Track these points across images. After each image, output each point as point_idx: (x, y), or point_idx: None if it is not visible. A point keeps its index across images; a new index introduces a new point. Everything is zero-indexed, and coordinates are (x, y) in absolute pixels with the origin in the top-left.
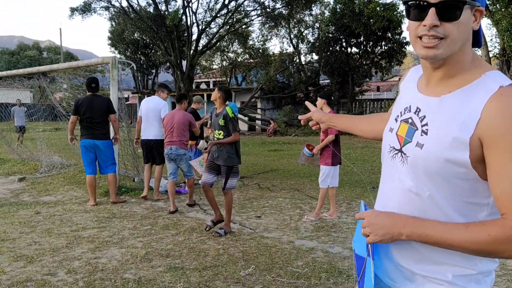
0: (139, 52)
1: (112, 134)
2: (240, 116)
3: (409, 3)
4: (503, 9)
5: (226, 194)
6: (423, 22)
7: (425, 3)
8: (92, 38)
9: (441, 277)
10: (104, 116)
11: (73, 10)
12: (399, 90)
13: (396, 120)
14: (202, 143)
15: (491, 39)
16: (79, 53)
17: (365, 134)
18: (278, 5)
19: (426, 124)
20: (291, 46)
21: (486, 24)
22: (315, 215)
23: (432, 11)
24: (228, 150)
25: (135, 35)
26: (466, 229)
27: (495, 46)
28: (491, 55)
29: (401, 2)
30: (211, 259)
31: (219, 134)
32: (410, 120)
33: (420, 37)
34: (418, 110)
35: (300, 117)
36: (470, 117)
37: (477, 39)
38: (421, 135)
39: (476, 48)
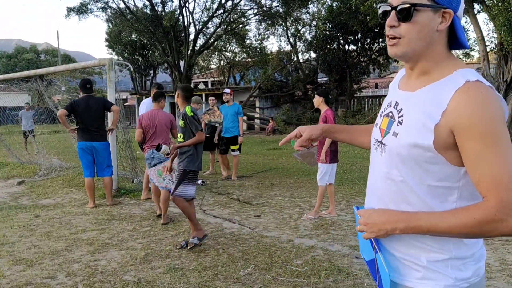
0: (137, 53)
1: (110, 137)
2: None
3: (379, 7)
4: (499, 4)
5: (175, 201)
6: (386, 23)
7: (387, 7)
8: (89, 39)
9: (416, 261)
10: (101, 117)
11: (69, 10)
12: (389, 90)
13: (380, 115)
14: (164, 148)
15: (488, 34)
16: (76, 55)
17: (366, 146)
18: (274, 4)
19: (402, 116)
20: (289, 45)
21: (483, 19)
22: (314, 213)
23: (392, 13)
24: (188, 152)
25: (133, 36)
26: (454, 215)
27: (492, 41)
28: (488, 49)
29: None
30: (210, 259)
31: (180, 137)
32: (390, 114)
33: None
34: (396, 104)
35: (280, 142)
36: (437, 108)
37: (457, 40)
38: (397, 125)
39: (474, 48)
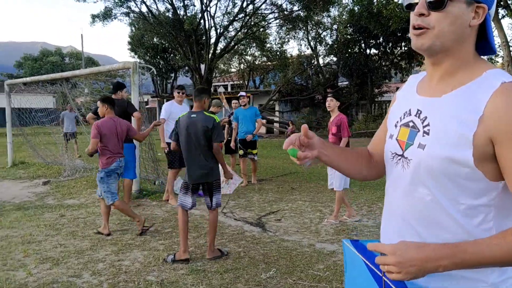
0: (158, 56)
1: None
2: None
3: None
4: None
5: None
6: (414, 12)
7: None
8: (112, 43)
9: None
10: (126, 118)
11: (94, 17)
12: (395, 99)
13: (396, 126)
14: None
15: (511, 39)
16: (100, 58)
17: (360, 177)
18: (295, 8)
19: (428, 125)
20: (309, 48)
21: (507, 24)
22: (335, 218)
23: (422, 0)
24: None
25: (154, 39)
26: (505, 240)
27: None
28: None
29: None
30: (232, 262)
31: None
32: (411, 124)
33: (414, 28)
34: (419, 112)
35: (284, 146)
36: (473, 114)
37: (487, 44)
38: (423, 135)
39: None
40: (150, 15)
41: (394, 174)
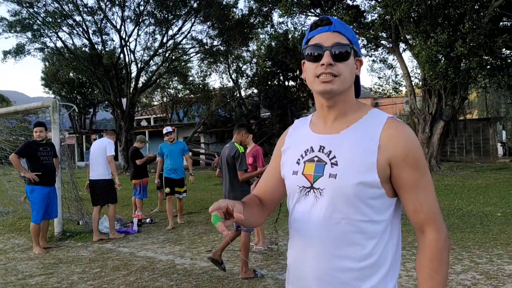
0: (75, 92)
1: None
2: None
3: (308, 47)
4: (422, 43)
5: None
6: (321, 62)
7: (319, 47)
8: (23, 78)
9: None
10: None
11: (6, 53)
12: (284, 142)
13: (298, 163)
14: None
15: (411, 70)
16: (10, 94)
17: (259, 223)
18: (215, 42)
19: (334, 157)
20: (231, 81)
21: (408, 57)
22: (263, 244)
23: (327, 53)
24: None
25: (71, 74)
26: (438, 273)
27: (415, 77)
28: (414, 84)
29: None
30: None
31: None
32: (316, 158)
33: (318, 76)
34: (322, 147)
35: (210, 210)
36: (371, 143)
37: (357, 88)
38: (332, 166)
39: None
40: (66, 50)
41: (305, 205)
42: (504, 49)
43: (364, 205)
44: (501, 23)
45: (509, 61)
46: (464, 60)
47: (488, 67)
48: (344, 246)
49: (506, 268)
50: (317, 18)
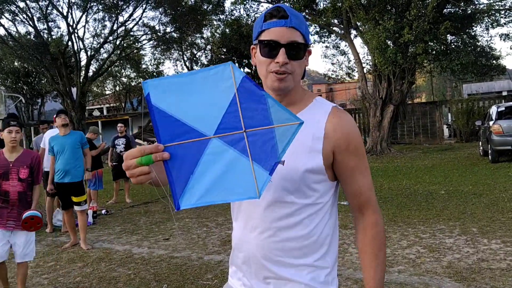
0: (21, 82)
1: None
2: (138, 141)
3: (263, 42)
4: (371, 30)
5: None
6: (276, 60)
7: (275, 44)
8: None
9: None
10: None
11: None
12: None
13: None
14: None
15: (363, 57)
16: None
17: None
18: (168, 29)
19: None
20: (186, 68)
21: (359, 43)
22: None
23: (282, 50)
24: None
25: (15, 63)
26: (380, 251)
27: (367, 63)
28: (365, 70)
29: None
30: (122, 285)
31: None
32: None
33: (271, 72)
34: None
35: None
36: (317, 131)
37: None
38: None
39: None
40: (9, 37)
41: None
42: (448, 35)
43: (308, 189)
44: (444, 10)
45: (453, 46)
46: (410, 46)
47: (434, 52)
48: (289, 227)
49: (447, 242)
50: (272, 7)
